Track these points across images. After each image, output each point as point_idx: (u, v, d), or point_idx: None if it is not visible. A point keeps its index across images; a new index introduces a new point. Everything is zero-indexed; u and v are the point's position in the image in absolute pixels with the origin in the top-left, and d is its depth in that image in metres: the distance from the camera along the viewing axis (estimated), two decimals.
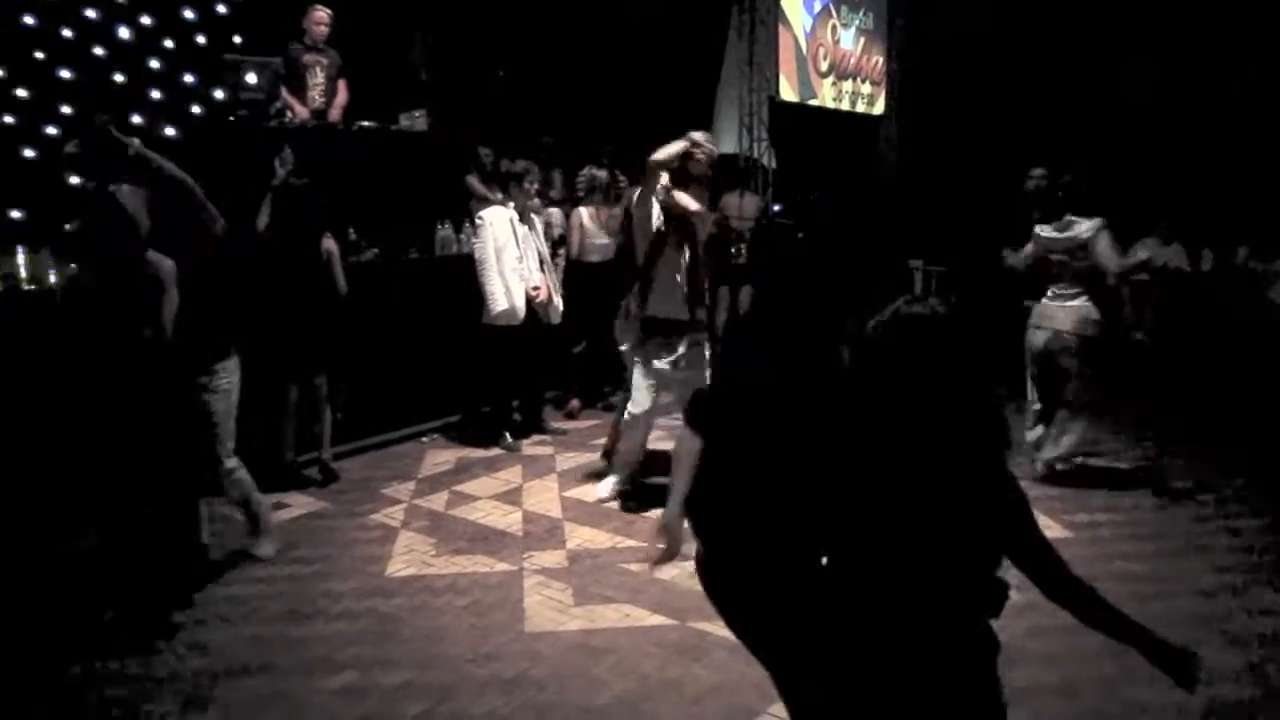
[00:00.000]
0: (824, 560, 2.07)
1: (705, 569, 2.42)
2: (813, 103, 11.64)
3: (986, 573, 1.90)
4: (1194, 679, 1.85)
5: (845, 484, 1.94)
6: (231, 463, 4.12)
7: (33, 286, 4.83)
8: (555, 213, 7.14)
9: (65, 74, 6.27)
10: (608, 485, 5.26)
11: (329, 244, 5.49)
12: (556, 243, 6.99)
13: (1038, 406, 5.56)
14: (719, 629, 3.56)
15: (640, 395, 5.00)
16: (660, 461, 5.29)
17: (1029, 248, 5.56)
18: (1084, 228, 5.24)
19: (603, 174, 6.90)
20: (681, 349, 4.91)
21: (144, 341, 3.73)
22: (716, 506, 2.35)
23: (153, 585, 3.85)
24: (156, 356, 3.76)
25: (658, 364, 4.92)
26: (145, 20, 6.73)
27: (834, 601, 1.99)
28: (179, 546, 3.96)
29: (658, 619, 3.81)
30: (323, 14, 6.76)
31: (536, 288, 6.06)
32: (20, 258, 4.84)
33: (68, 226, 4.23)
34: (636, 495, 5.13)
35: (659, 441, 5.49)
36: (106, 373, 3.69)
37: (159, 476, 3.82)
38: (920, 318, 1.92)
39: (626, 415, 5.12)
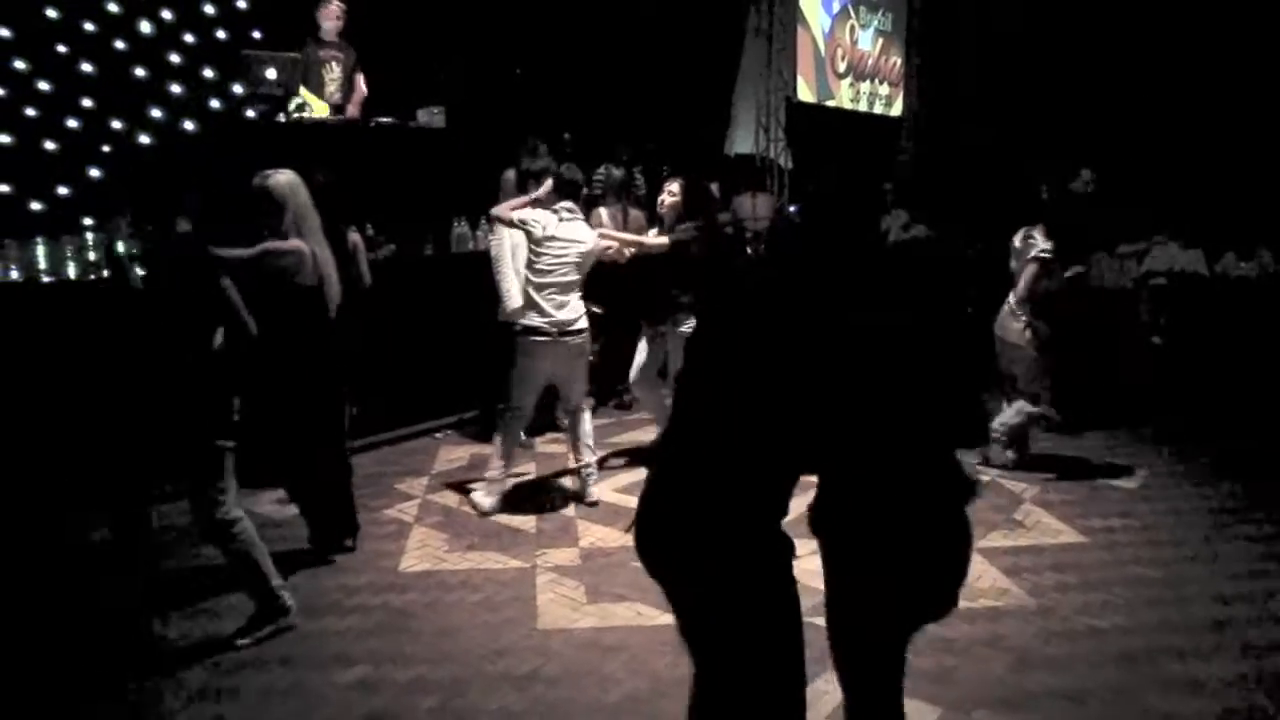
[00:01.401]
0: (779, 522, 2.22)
1: (645, 524, 2.30)
2: (830, 103, 11.62)
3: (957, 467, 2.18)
4: None
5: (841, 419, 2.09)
6: None
7: (51, 278, 4.87)
8: None
9: (87, 68, 6.32)
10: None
11: (355, 237, 5.50)
12: None
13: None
14: None
15: None
16: None
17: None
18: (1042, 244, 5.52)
19: (620, 173, 6.87)
20: None
21: None
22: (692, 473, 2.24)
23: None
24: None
25: None
26: (166, 15, 6.78)
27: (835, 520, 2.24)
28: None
29: (670, 617, 3.76)
30: (335, 7, 6.75)
31: None
32: (40, 249, 4.87)
33: None
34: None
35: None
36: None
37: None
38: (881, 330, 2.04)
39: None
